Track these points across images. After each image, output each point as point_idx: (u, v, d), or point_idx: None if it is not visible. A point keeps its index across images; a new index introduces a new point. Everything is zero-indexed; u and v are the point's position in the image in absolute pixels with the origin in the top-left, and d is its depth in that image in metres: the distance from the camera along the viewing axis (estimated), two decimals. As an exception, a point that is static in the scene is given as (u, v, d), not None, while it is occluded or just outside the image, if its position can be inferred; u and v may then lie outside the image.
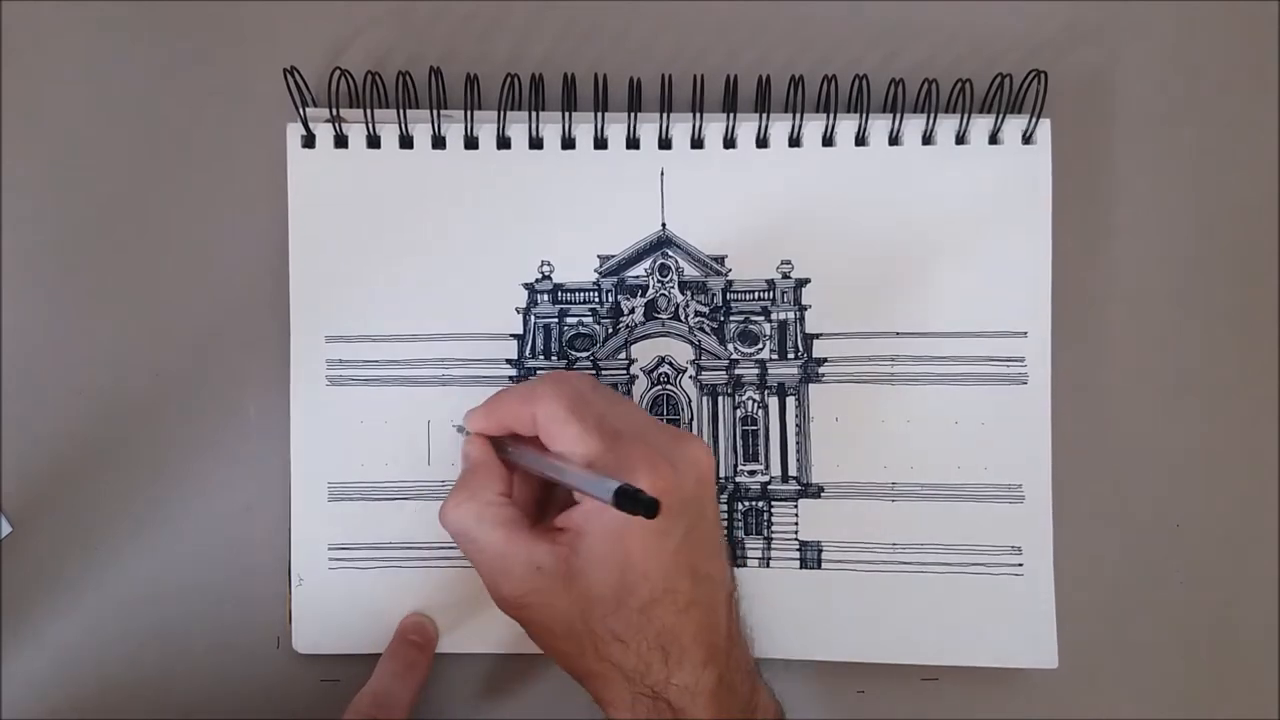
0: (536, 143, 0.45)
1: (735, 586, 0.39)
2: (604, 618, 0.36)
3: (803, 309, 0.45)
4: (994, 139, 0.45)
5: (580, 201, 0.45)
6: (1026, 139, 0.45)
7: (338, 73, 0.44)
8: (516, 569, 0.36)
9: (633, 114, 0.44)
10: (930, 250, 0.45)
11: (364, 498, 0.45)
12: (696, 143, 0.45)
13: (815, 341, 0.45)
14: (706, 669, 0.36)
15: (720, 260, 0.45)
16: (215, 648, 0.45)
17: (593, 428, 0.36)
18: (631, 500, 0.33)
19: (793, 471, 0.45)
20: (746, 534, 0.45)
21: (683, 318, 0.45)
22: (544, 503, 0.40)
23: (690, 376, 0.45)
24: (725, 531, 0.44)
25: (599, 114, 0.44)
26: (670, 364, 0.46)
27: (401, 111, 0.44)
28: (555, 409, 0.36)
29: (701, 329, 0.45)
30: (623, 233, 0.45)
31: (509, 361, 0.45)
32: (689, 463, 0.36)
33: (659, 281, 0.45)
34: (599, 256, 0.45)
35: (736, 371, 0.45)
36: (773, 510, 0.45)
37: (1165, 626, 0.46)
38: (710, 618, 0.37)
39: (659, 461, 0.35)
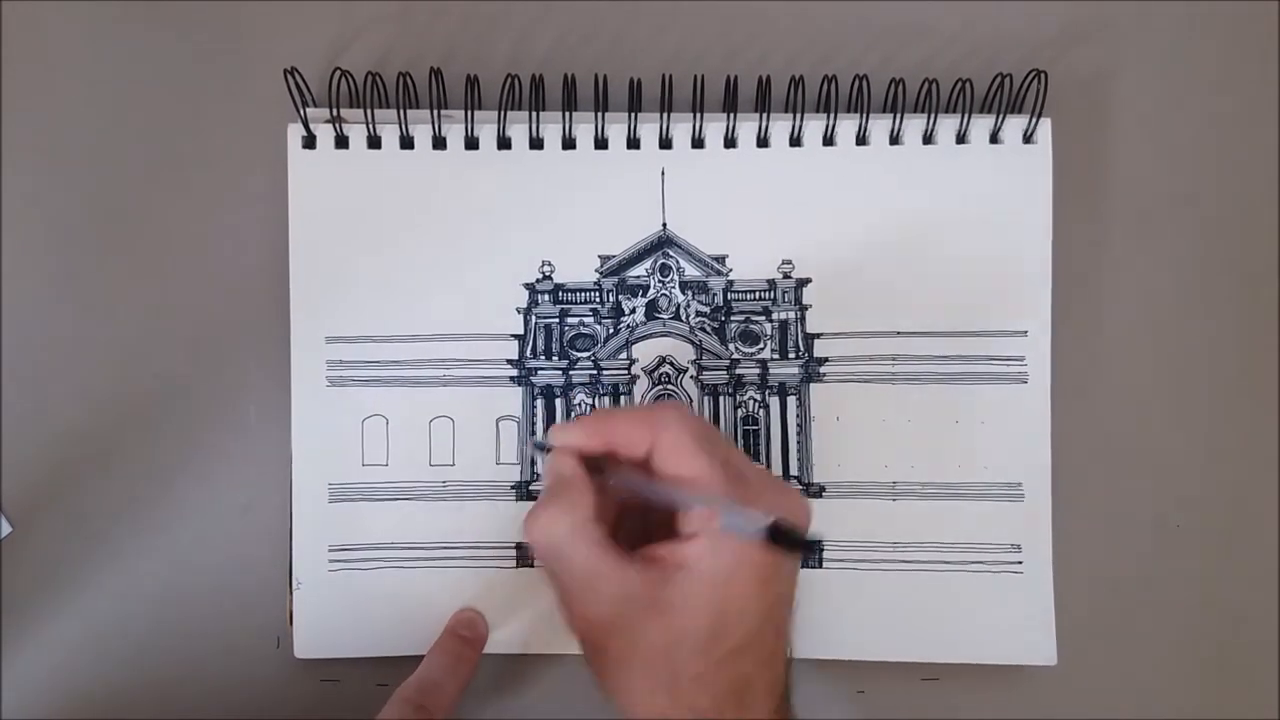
0: (537, 143, 0.45)
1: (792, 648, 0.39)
2: (690, 657, 0.34)
3: (803, 309, 0.45)
4: (994, 139, 0.45)
5: (581, 201, 0.45)
6: (1027, 138, 0.45)
7: (338, 73, 0.44)
8: (606, 591, 0.35)
9: (633, 114, 0.44)
10: (931, 250, 0.45)
11: (365, 498, 0.45)
12: (697, 143, 0.45)
13: (816, 341, 0.45)
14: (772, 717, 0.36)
15: (721, 260, 0.45)
16: (215, 648, 0.45)
17: (720, 464, 0.35)
18: (786, 536, 0.32)
19: (794, 471, 0.45)
20: (747, 534, 0.45)
21: (684, 318, 0.46)
22: (616, 534, 0.38)
23: (691, 376, 0.46)
24: None
25: (599, 114, 0.44)
26: (671, 364, 0.46)
27: (402, 112, 0.44)
28: (683, 437, 0.36)
29: (702, 329, 0.46)
30: (623, 233, 0.45)
31: (510, 361, 0.45)
32: (801, 516, 0.36)
33: (660, 281, 0.45)
34: (600, 256, 0.45)
35: (737, 371, 0.45)
36: (773, 510, 0.45)
37: (1165, 625, 0.46)
38: (779, 673, 0.36)
39: (796, 509, 0.35)
